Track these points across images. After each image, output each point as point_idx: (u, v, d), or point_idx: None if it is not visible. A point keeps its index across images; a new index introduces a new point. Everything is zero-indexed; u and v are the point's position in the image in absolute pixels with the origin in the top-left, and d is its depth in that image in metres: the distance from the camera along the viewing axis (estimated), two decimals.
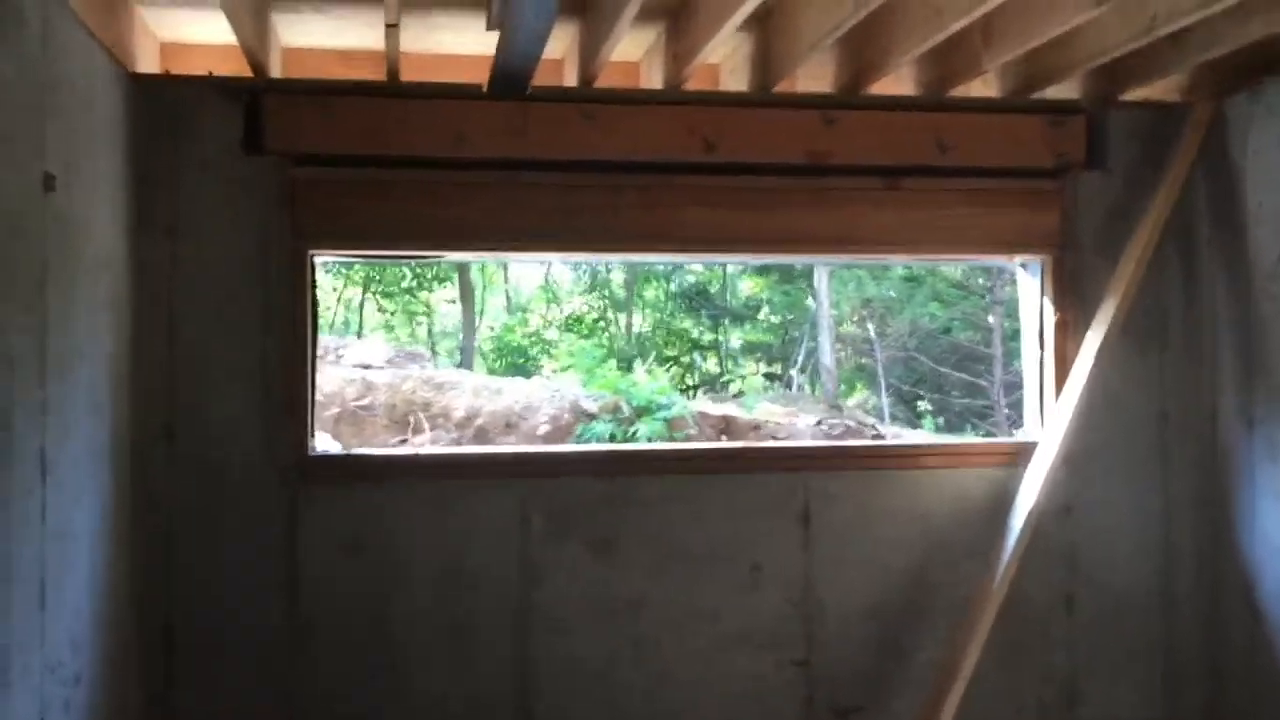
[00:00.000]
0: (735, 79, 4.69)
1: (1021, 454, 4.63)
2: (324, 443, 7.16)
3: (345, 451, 5.71)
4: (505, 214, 4.40)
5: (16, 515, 2.86)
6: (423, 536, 4.35)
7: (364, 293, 19.93)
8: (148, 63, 4.36)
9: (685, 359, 20.03)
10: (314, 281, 4.39)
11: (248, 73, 4.22)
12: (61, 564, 3.22)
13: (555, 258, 4.67)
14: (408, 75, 4.61)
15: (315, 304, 4.42)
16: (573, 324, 20.57)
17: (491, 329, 21.17)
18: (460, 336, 19.85)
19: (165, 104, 4.19)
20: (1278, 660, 4.26)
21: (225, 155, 4.23)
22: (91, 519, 3.56)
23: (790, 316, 19.79)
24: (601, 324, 20.73)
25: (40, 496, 3.03)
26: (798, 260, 7.55)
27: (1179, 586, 4.75)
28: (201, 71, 4.37)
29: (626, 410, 8.94)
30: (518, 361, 19.28)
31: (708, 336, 20.41)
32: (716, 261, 11.64)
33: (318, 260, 4.45)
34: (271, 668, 4.23)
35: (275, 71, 4.45)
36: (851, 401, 16.75)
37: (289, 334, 4.27)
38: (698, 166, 4.51)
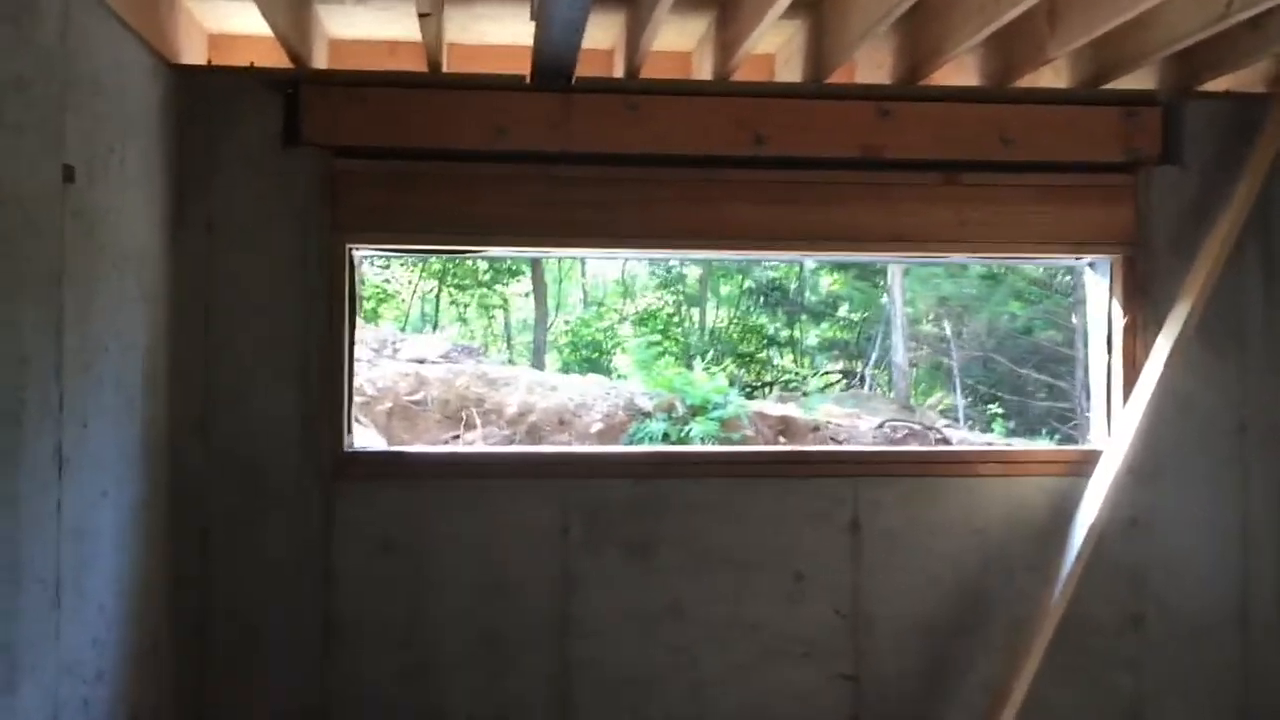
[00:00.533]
0: (789, 70, 4.53)
1: (1085, 463, 4.41)
2: (365, 439, 7.13)
3: (382, 449, 5.65)
4: (545, 208, 4.30)
5: (28, 514, 2.82)
6: (459, 537, 4.27)
7: (439, 285, 20.02)
8: (194, 54, 4.33)
9: (761, 355, 19.81)
10: (353, 275, 4.33)
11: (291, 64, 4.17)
12: (80, 562, 3.18)
13: (595, 253, 4.57)
14: (453, 66, 4.54)
15: (355, 297, 4.36)
16: (647, 319, 20.45)
17: (567, 323, 21.16)
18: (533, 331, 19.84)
19: (206, 96, 4.15)
20: None
21: (265, 147, 4.19)
22: (119, 515, 3.53)
23: (866, 314, 19.46)
24: (676, 320, 20.59)
25: (56, 494, 2.99)
26: (850, 259, 7.36)
27: (1257, 609, 4.47)
28: (247, 63, 4.33)
29: (681, 409, 8.80)
30: (591, 356, 19.23)
31: (784, 333, 20.16)
32: (764, 259, 11.51)
33: (357, 253, 4.39)
34: (304, 666, 4.19)
35: (320, 63, 4.40)
36: (927, 403, 16.40)
37: (327, 328, 4.21)
38: (745, 160, 4.36)
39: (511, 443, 8.36)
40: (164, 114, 3.96)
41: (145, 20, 3.70)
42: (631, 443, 8.57)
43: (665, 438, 8.58)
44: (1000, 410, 16.83)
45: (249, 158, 4.17)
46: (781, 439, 8.76)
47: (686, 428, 8.65)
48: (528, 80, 4.24)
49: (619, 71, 4.46)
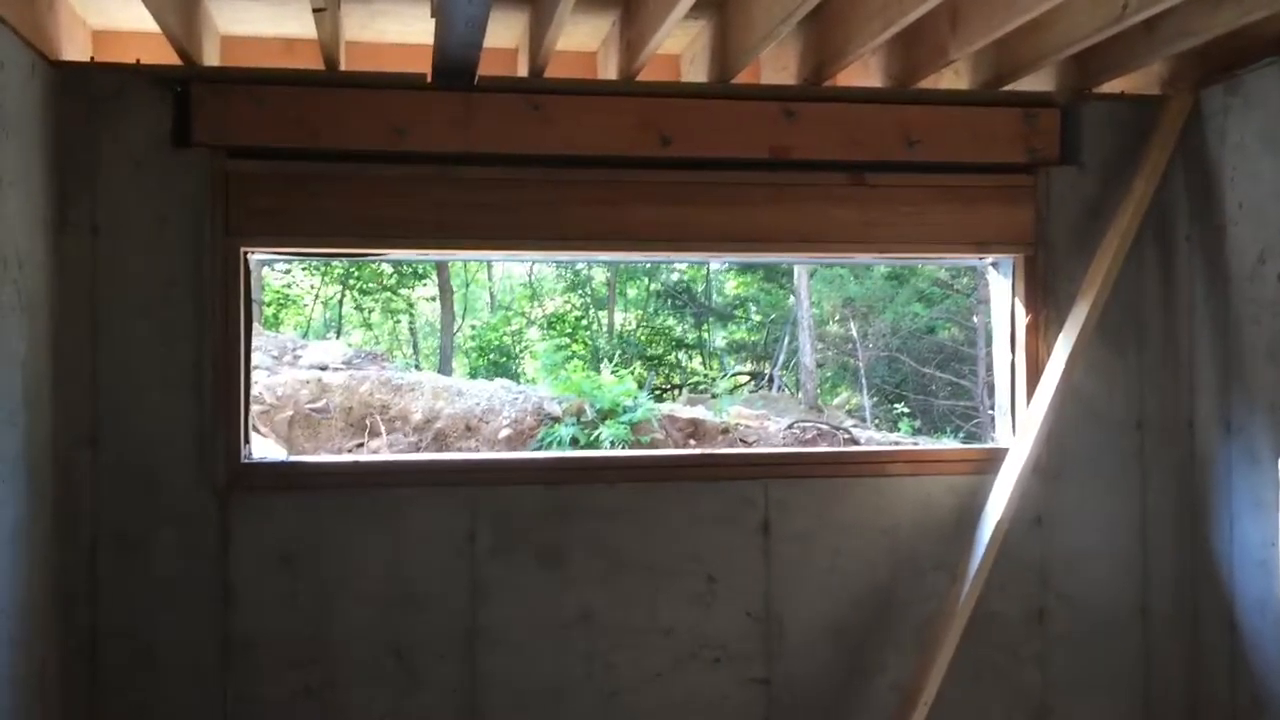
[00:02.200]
0: (694, 70, 4.50)
1: (991, 461, 4.45)
2: (265, 449, 6.94)
3: (281, 459, 5.50)
4: (448, 210, 4.20)
5: None
6: (364, 548, 4.15)
7: (343, 290, 19.69)
8: (76, 51, 4.15)
9: (669, 358, 19.85)
10: (248, 279, 4.19)
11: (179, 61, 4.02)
12: None
13: (500, 256, 4.49)
14: (352, 65, 4.41)
15: (250, 303, 4.22)
16: (555, 323, 20.37)
17: (474, 327, 20.97)
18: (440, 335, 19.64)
19: (90, 94, 3.98)
20: (1258, 679, 4.08)
21: (153, 148, 4.02)
22: (0, 531, 3.35)
23: (773, 316, 19.62)
24: (584, 323, 20.53)
25: None
26: (757, 260, 7.37)
27: (1156, 601, 4.56)
28: (133, 60, 4.16)
29: (590, 413, 8.73)
30: (499, 361, 19.08)
31: (691, 335, 20.23)
32: (669, 261, 11.45)
33: (252, 258, 4.24)
34: (201, 687, 4.03)
35: (212, 60, 4.25)
36: (834, 402, 16.57)
37: (221, 335, 4.06)
38: (652, 161, 4.31)
39: (417, 450, 8.20)
40: (44, 112, 3.78)
41: (20, 14, 3.52)
42: (540, 448, 8.48)
43: (574, 442, 8.50)
44: (906, 409, 17.09)
45: (136, 158, 4.01)
46: (691, 442, 8.75)
47: (596, 432, 8.58)
48: (429, 79, 4.14)
49: (523, 71, 4.39)
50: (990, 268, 4.78)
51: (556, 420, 8.64)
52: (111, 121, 3.99)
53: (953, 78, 4.63)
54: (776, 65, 4.52)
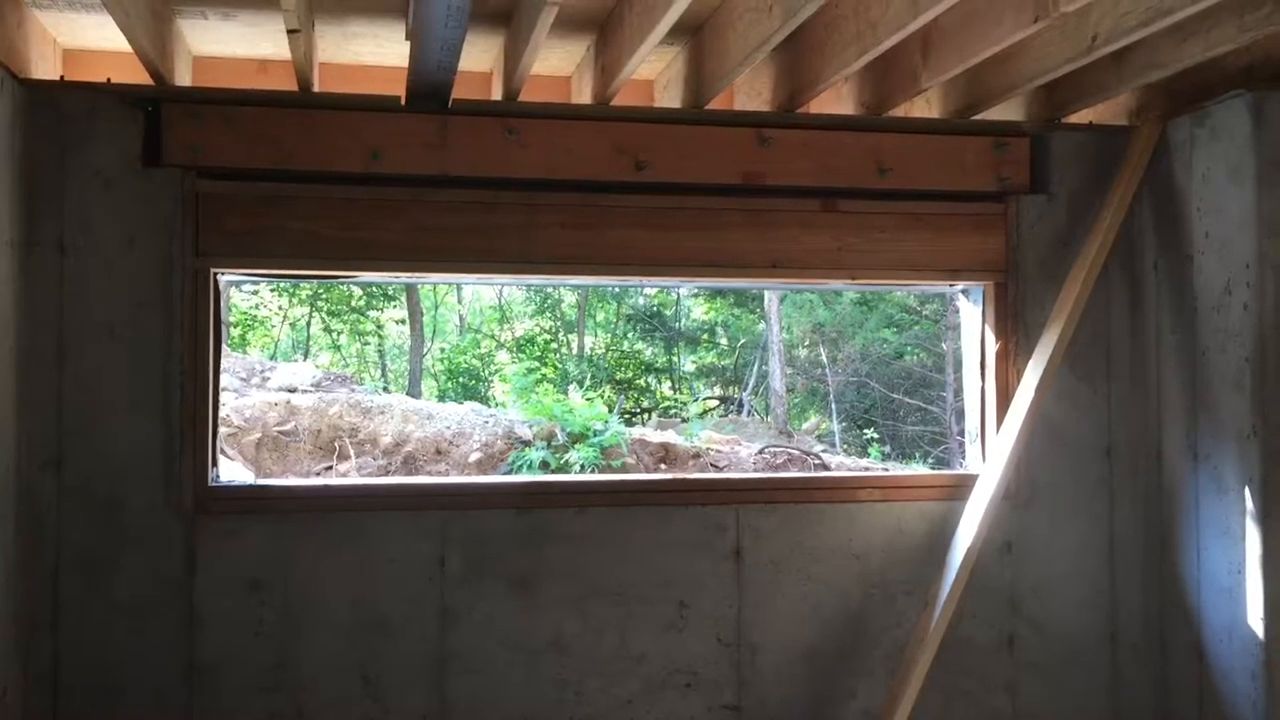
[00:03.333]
0: (668, 96, 4.52)
1: (961, 488, 4.46)
2: (232, 472, 6.87)
3: (248, 482, 5.44)
4: (421, 233, 4.19)
5: None
6: (332, 573, 4.11)
7: (310, 312, 19.56)
8: (46, 69, 4.12)
9: (639, 382, 19.83)
10: (218, 301, 4.15)
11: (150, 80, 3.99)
12: None
13: (474, 279, 4.46)
14: (326, 87, 4.40)
15: (220, 325, 4.18)
16: (524, 345, 20.32)
17: (443, 350, 20.88)
18: (409, 358, 19.53)
19: (59, 112, 3.94)
20: (1224, 707, 4.10)
21: (123, 167, 3.99)
22: None
23: (743, 341, 19.67)
24: (553, 346, 20.50)
25: None
26: (730, 285, 7.38)
27: (1124, 627, 4.58)
28: (104, 79, 4.13)
29: (561, 437, 8.70)
30: (468, 384, 19.00)
31: (661, 359, 20.23)
32: (643, 285, 11.43)
33: (222, 279, 4.21)
34: (167, 712, 3.97)
35: (183, 80, 4.23)
36: (804, 427, 16.60)
37: (190, 357, 4.02)
38: (626, 186, 4.32)
39: (387, 473, 8.14)
40: (12, 130, 3.74)
41: None
42: (511, 472, 8.44)
43: (545, 466, 8.46)
44: (875, 435, 17.15)
45: (106, 178, 3.97)
46: (662, 466, 8.73)
47: (566, 456, 8.55)
48: (403, 102, 4.14)
49: (497, 94, 4.39)
50: (961, 295, 4.81)
51: (527, 444, 8.61)
52: (81, 140, 3.95)
53: (924, 106, 4.67)
54: (750, 91, 4.55)
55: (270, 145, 4.04)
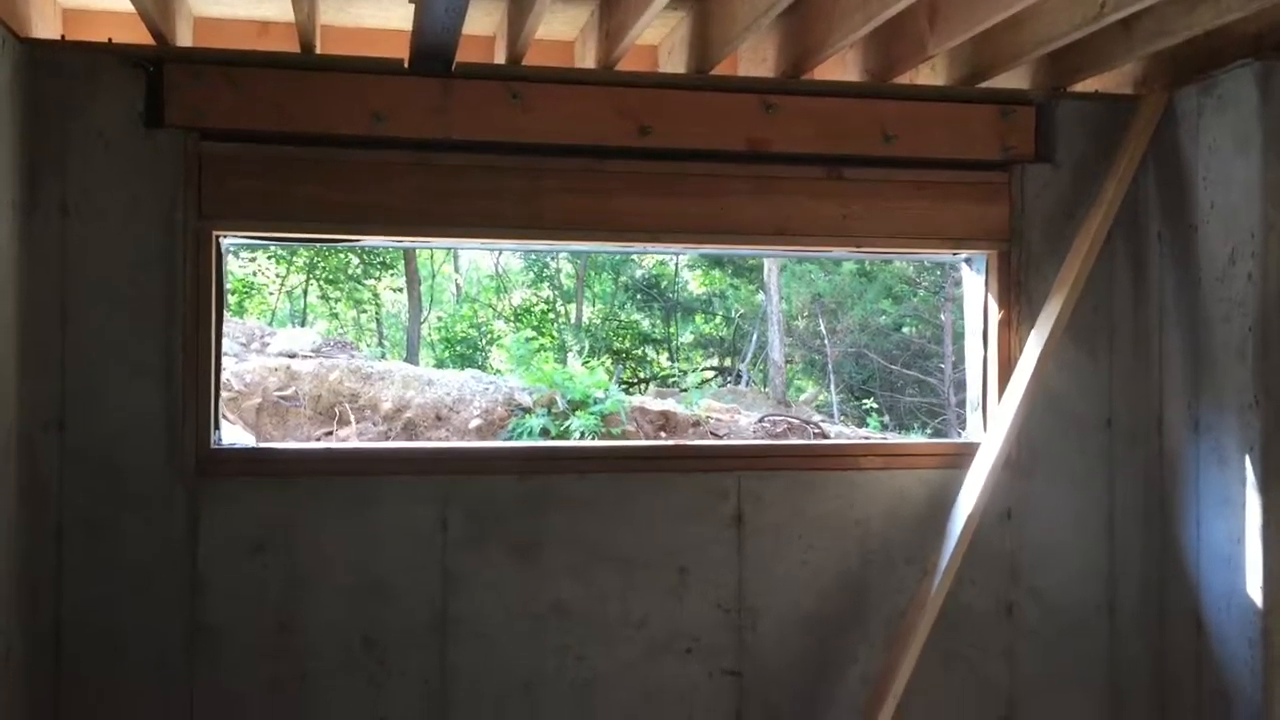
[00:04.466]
0: (672, 61, 4.49)
1: (963, 456, 4.47)
2: (235, 435, 6.87)
3: (252, 445, 5.44)
4: (425, 197, 4.17)
5: None
6: (335, 537, 4.12)
7: (307, 280, 19.52)
8: (46, 28, 4.08)
9: (637, 353, 19.84)
10: (220, 264, 4.14)
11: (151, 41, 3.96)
12: None
13: (477, 245, 4.44)
14: (328, 50, 4.37)
15: (222, 288, 4.17)
16: (522, 315, 20.30)
17: (440, 319, 20.86)
18: (406, 326, 19.52)
19: (60, 72, 3.91)
20: (1222, 675, 4.13)
21: (125, 129, 3.96)
22: None
23: (741, 311, 19.66)
24: (550, 316, 20.48)
25: None
26: (734, 252, 7.36)
27: (1123, 596, 4.60)
28: (105, 39, 4.10)
29: (561, 404, 8.70)
30: (466, 353, 18.99)
31: (659, 330, 20.23)
32: (647, 251, 11.37)
33: (224, 242, 4.19)
34: (169, 674, 3.98)
35: (185, 41, 4.19)
36: (801, 398, 16.63)
37: (193, 320, 4.01)
38: (630, 151, 4.30)
39: (387, 439, 8.14)
40: (12, 90, 3.71)
41: None
42: (511, 438, 8.44)
43: (545, 433, 8.47)
44: (874, 405, 17.19)
45: (108, 139, 3.94)
46: (662, 434, 8.74)
47: (567, 423, 8.56)
48: (406, 65, 4.11)
49: (500, 58, 4.36)
50: (964, 264, 4.80)
51: (527, 411, 8.61)
52: (82, 101, 3.93)
53: (929, 74, 4.65)
54: (755, 58, 4.52)
55: (273, 107, 4.02)
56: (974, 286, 4.75)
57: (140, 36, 4.01)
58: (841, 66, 4.63)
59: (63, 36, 4.14)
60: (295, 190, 4.09)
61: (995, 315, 4.60)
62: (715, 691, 4.36)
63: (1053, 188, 4.60)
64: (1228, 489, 4.11)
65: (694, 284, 20.39)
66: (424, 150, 4.17)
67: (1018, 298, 4.57)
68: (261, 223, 4.12)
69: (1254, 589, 3.98)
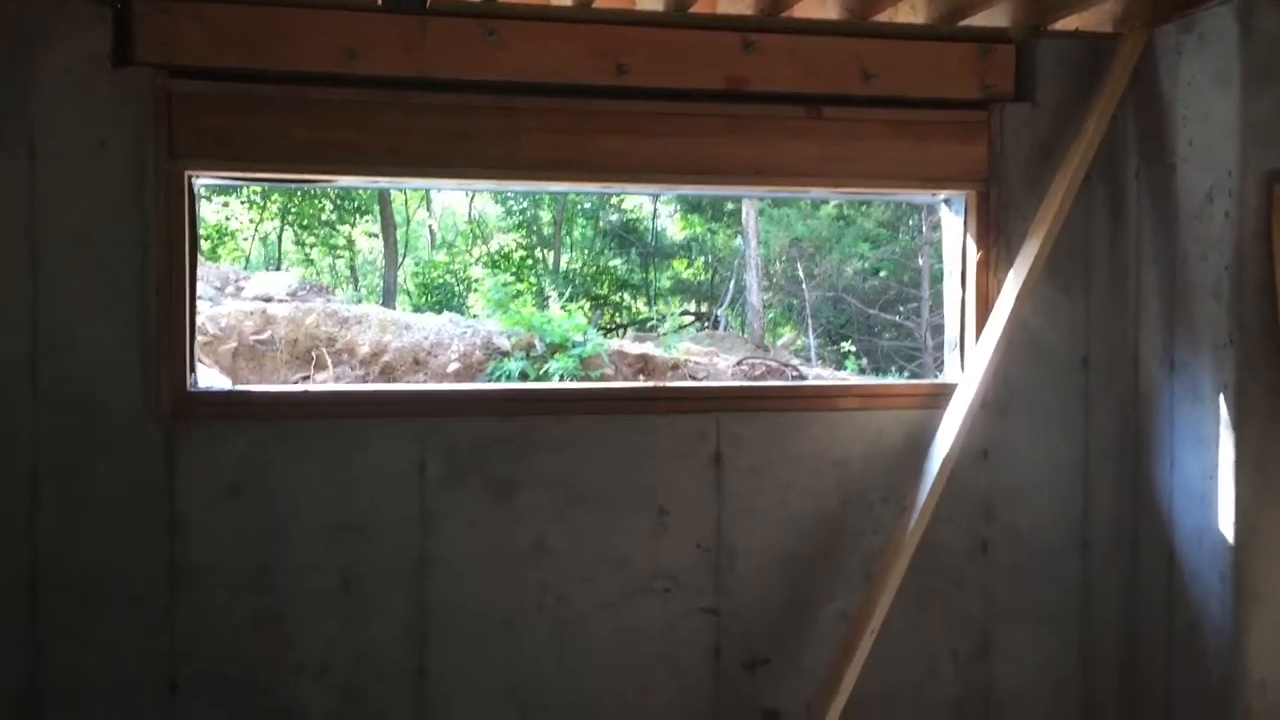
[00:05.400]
0: None
1: (940, 396, 4.49)
2: (211, 379, 6.83)
3: (228, 388, 5.41)
4: (401, 137, 4.12)
5: None
6: (313, 478, 4.11)
7: (281, 225, 19.34)
8: None
9: (614, 298, 19.80)
10: (193, 205, 4.09)
11: None
12: None
13: (453, 184, 4.42)
14: None
15: (195, 229, 4.13)
16: (499, 261, 20.20)
17: (416, 264, 20.73)
18: (382, 272, 19.40)
19: (23, 9, 3.83)
20: (1194, 608, 4.20)
21: (92, 67, 3.89)
22: None
23: (719, 256, 19.63)
24: (529, 261, 20.40)
25: None
26: (714, 192, 7.31)
27: (1097, 534, 4.66)
28: None
29: (540, 347, 8.68)
30: (443, 299, 18.91)
31: (637, 275, 20.19)
32: (626, 191, 11.29)
33: (197, 182, 4.14)
34: (147, 618, 3.99)
35: None
36: (780, 342, 16.66)
37: (166, 261, 3.97)
38: (608, 90, 4.25)
39: (365, 383, 8.11)
40: None
41: None
42: (489, 382, 8.42)
43: (524, 377, 8.45)
44: (852, 349, 17.25)
45: (75, 77, 3.87)
46: (641, 377, 8.73)
47: (545, 366, 8.55)
48: (380, 1, 4.04)
49: None
50: (943, 204, 4.79)
51: (505, 354, 8.58)
52: (48, 39, 3.85)
53: (909, 12, 4.59)
54: None
55: (244, 44, 3.95)
56: (953, 227, 4.74)
57: None
58: (821, 4, 4.57)
59: None
60: (268, 129, 4.04)
61: (974, 256, 4.60)
62: (694, 629, 4.40)
63: (1032, 127, 4.58)
64: (1201, 427, 4.15)
65: (673, 228, 20.33)
66: (399, 89, 4.12)
67: (996, 238, 4.57)
68: (234, 162, 4.07)
69: (1226, 525, 4.03)
